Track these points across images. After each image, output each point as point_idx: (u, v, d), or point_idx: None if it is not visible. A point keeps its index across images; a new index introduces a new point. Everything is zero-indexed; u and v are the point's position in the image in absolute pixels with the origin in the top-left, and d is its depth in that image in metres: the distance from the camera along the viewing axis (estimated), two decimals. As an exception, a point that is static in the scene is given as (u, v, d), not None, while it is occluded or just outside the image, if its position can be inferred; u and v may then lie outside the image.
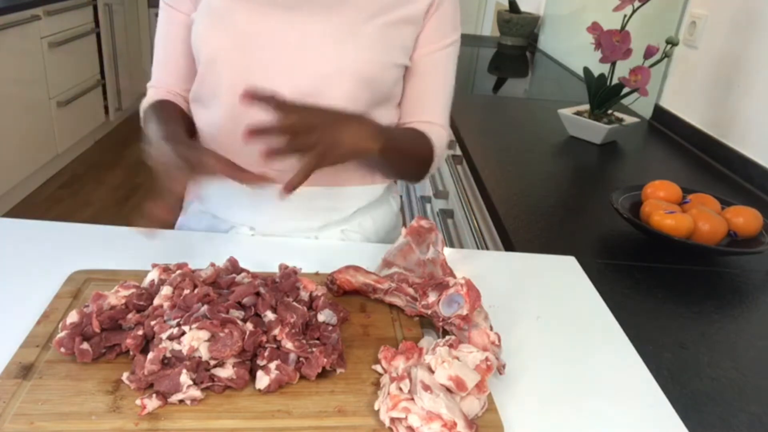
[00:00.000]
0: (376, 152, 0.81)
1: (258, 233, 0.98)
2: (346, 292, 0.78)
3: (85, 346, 0.63)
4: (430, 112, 1.00)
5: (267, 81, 0.89)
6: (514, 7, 3.07)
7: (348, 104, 0.89)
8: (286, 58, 0.89)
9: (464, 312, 0.69)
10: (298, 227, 0.99)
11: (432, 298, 0.73)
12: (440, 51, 0.97)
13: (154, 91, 1.01)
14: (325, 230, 1.00)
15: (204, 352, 0.61)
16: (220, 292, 0.69)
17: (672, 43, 1.54)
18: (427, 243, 0.85)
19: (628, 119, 1.71)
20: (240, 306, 0.67)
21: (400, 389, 0.60)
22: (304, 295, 0.73)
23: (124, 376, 0.61)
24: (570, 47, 2.70)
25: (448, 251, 0.92)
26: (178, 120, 0.93)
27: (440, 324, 0.72)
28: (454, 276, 0.80)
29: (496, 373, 0.67)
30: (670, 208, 1.07)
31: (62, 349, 0.63)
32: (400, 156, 0.92)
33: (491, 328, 0.70)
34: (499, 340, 0.69)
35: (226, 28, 0.89)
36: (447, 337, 0.66)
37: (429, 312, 0.73)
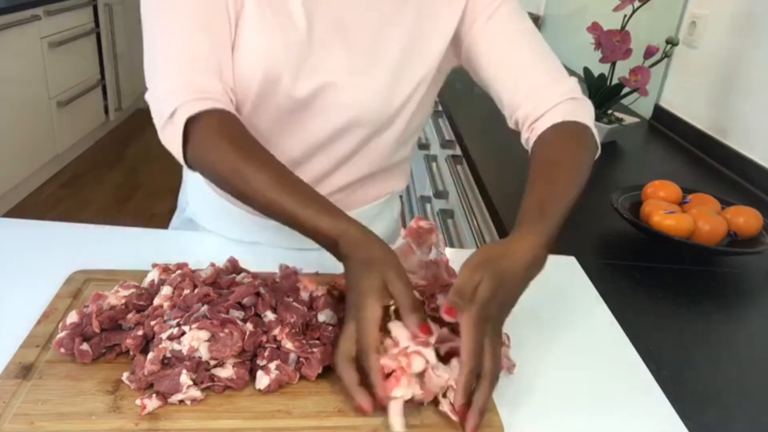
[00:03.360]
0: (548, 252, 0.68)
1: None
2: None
3: (85, 346, 0.63)
4: (539, 81, 0.86)
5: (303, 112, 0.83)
6: (514, 7, 3.07)
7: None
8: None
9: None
10: (302, 245, 0.93)
11: (440, 301, 0.72)
12: (497, 12, 0.85)
13: (214, 97, 0.75)
14: None
15: (204, 352, 0.61)
16: (220, 292, 0.69)
17: (672, 43, 1.54)
18: (427, 244, 0.84)
19: (628, 119, 1.71)
20: (240, 306, 0.67)
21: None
22: (305, 295, 0.73)
23: (124, 376, 0.61)
24: (570, 47, 2.70)
25: (448, 252, 0.92)
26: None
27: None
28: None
29: (496, 373, 0.67)
30: (670, 208, 1.07)
31: (62, 350, 0.63)
32: (570, 209, 0.77)
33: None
34: (509, 340, 0.69)
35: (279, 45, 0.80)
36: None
37: (437, 315, 0.73)
